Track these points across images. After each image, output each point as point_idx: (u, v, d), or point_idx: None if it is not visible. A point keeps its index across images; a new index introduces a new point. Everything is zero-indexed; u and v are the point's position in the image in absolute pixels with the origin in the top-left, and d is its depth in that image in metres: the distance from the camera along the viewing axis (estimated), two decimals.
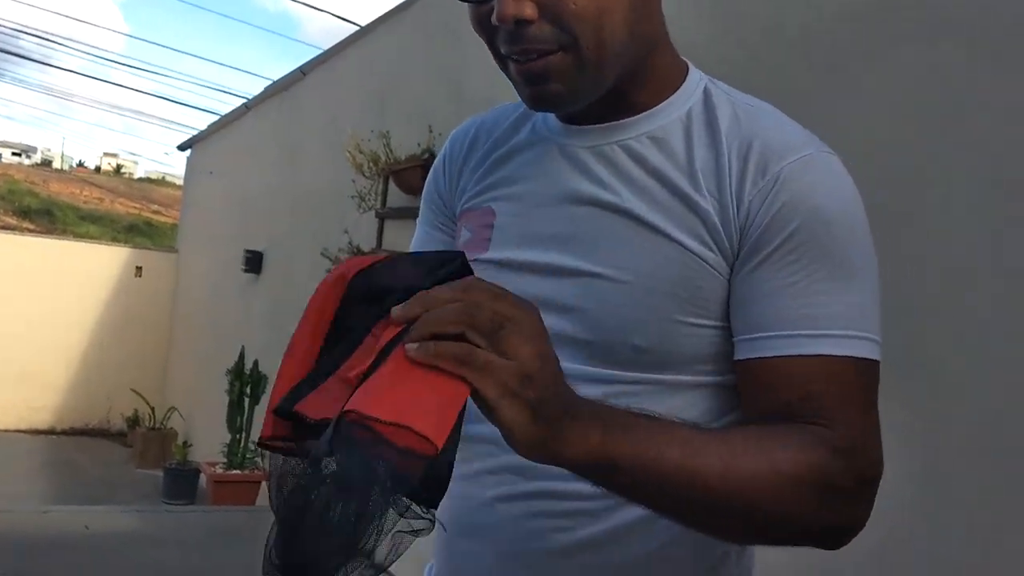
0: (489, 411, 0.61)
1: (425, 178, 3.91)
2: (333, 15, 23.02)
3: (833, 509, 0.73)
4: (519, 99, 0.92)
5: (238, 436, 6.31)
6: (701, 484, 0.69)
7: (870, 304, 0.79)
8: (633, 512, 0.80)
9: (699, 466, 0.69)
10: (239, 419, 6.31)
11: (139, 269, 10.82)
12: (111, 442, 10.56)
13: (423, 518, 0.58)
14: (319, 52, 6.41)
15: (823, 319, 0.77)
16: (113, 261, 10.85)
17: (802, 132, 0.84)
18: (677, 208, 0.82)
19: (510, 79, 0.85)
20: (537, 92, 0.82)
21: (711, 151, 0.83)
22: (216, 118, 9.59)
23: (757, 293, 0.79)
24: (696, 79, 0.89)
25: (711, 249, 0.81)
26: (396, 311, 0.62)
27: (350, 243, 5.01)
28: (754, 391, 0.80)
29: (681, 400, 0.83)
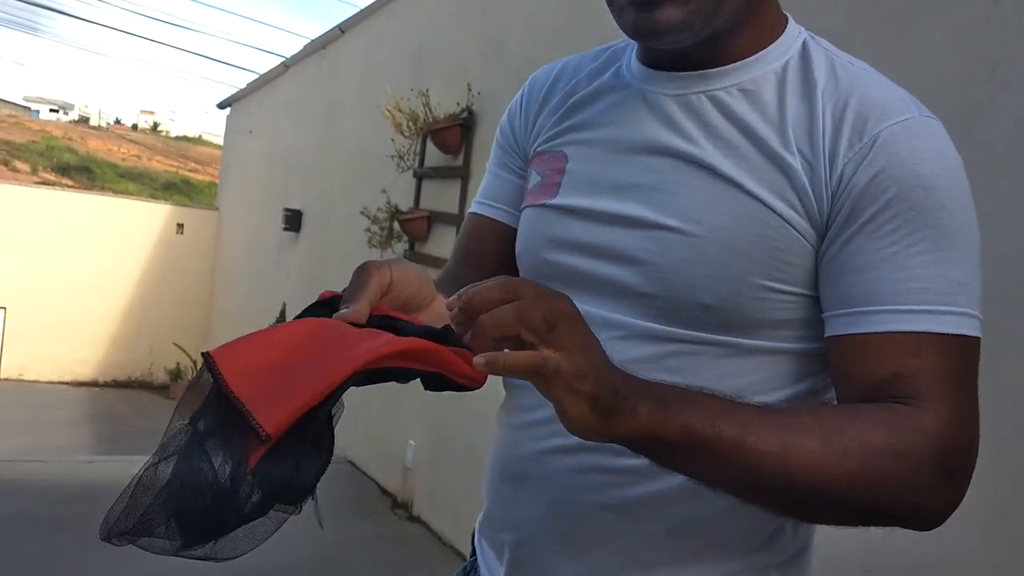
0: (555, 405, 0.63)
1: (464, 137, 3.93)
2: None
3: (916, 494, 0.70)
4: (593, 48, 0.93)
5: None
6: (756, 465, 0.67)
7: (972, 278, 0.74)
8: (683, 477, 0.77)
9: (756, 446, 0.67)
10: None
11: (180, 226, 10.99)
12: (153, 394, 10.82)
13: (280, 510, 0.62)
14: (358, 10, 6.39)
15: (920, 293, 0.72)
16: (155, 218, 11.02)
17: (903, 94, 0.79)
18: (763, 165, 0.78)
19: (612, 7, 0.82)
20: (647, 18, 0.78)
21: (805, 107, 0.79)
22: (254, 77, 9.62)
23: (851, 265, 0.75)
24: (795, 32, 0.85)
25: (797, 212, 0.77)
26: (451, 300, 0.63)
27: (388, 202, 5.05)
28: (846, 369, 0.76)
29: (746, 364, 0.80)
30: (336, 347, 0.66)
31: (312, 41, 7.46)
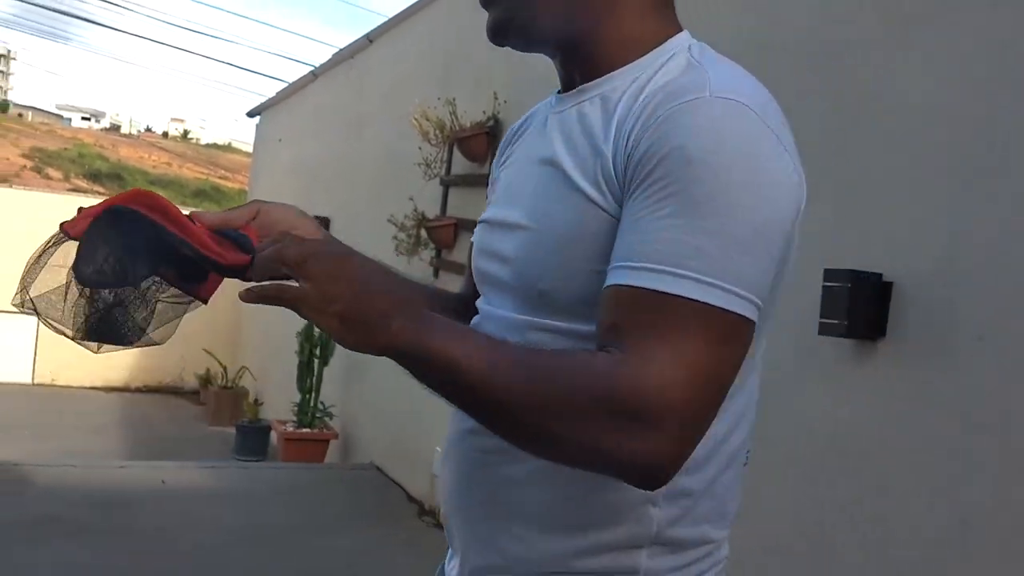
0: (314, 325, 0.80)
1: (490, 145, 3.97)
2: None
3: (597, 431, 0.73)
4: None
5: (307, 396, 6.49)
6: (464, 379, 0.76)
7: (718, 248, 0.75)
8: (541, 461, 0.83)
9: (466, 362, 0.76)
10: (308, 379, 6.48)
11: None
12: (184, 400, 10.94)
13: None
14: (385, 19, 6.44)
15: (647, 253, 0.76)
16: None
17: (719, 81, 0.81)
18: (588, 156, 0.86)
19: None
20: (488, 20, 0.95)
21: (631, 100, 0.85)
22: (283, 85, 9.72)
23: (620, 229, 0.81)
24: (673, 46, 0.90)
25: (602, 192, 0.83)
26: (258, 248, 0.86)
27: (415, 209, 5.07)
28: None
29: (579, 345, 0.84)
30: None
31: (340, 51, 7.53)
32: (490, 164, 4.38)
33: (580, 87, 0.93)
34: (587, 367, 0.76)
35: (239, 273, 0.88)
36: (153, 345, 0.90)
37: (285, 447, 6.46)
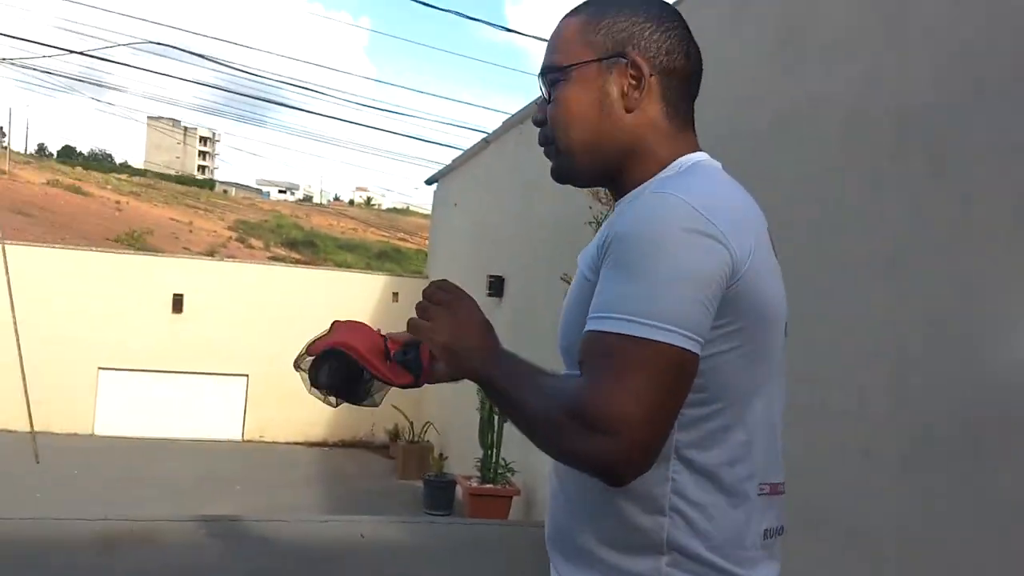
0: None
1: None
2: None
3: (570, 438, 1.01)
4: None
5: (490, 452, 6.65)
6: (514, 408, 1.11)
7: (637, 294, 1.02)
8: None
9: (514, 395, 1.11)
10: (490, 435, 6.65)
11: (395, 295, 11.73)
12: (375, 454, 11.49)
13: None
14: None
15: (596, 305, 1.05)
16: (373, 288, 11.84)
17: (665, 183, 1.12)
18: (594, 252, 1.13)
19: None
20: (551, 168, 1.27)
21: (623, 204, 1.19)
22: (455, 152, 10.19)
23: None
24: (674, 165, 1.19)
25: (595, 273, 1.11)
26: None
27: None
28: None
29: None
30: (351, 337, 1.35)
31: (511, 117, 7.84)
32: None
33: (617, 202, 1.24)
34: (565, 389, 1.06)
35: (408, 386, 1.32)
36: (375, 406, 1.38)
37: (470, 502, 6.64)
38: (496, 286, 7.56)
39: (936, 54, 2.43)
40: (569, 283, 4.67)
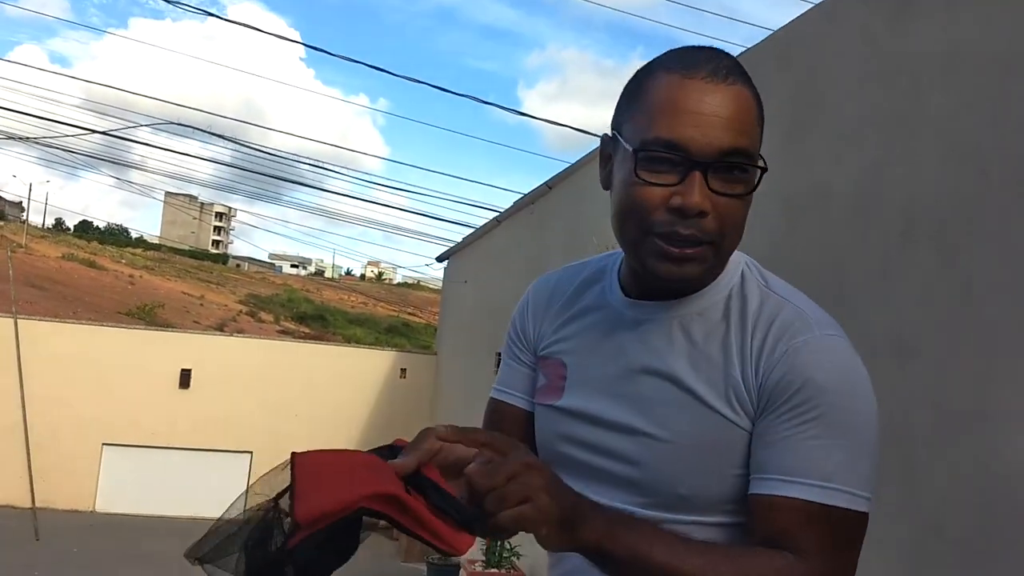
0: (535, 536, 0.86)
1: None
2: (568, 127, 24.07)
3: None
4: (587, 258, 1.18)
5: None
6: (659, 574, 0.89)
7: (856, 462, 0.94)
8: None
9: (678, 566, 0.89)
10: None
11: (403, 371, 11.69)
12: (378, 535, 11.25)
13: None
14: (566, 166, 6.75)
15: (806, 470, 0.93)
16: (382, 364, 11.82)
17: (811, 317, 1.00)
18: (716, 379, 1.00)
19: (638, 250, 1.01)
20: (678, 270, 0.99)
21: (740, 330, 1.01)
22: (466, 230, 10.30)
23: (762, 442, 0.97)
24: (735, 263, 1.07)
25: (737, 412, 0.98)
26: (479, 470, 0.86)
27: None
28: (751, 521, 0.97)
29: (713, 535, 0.99)
30: (370, 481, 0.84)
31: (521, 198, 7.94)
32: None
33: (670, 301, 1.05)
34: (771, 569, 0.91)
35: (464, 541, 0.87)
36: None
37: None
38: None
39: (943, 145, 2.46)
40: None
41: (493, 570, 6.47)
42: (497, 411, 1.25)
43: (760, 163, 1.00)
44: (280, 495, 0.86)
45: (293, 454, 0.87)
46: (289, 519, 0.82)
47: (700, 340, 1.02)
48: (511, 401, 1.23)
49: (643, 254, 1.00)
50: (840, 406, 0.94)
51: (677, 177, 0.95)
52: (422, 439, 0.92)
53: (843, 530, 0.93)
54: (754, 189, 0.99)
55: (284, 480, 0.86)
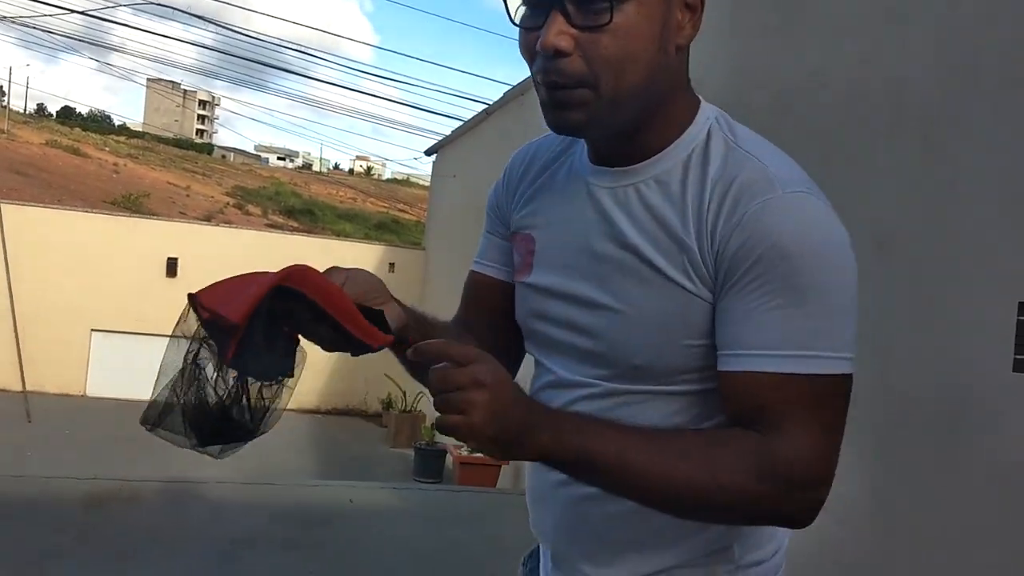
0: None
1: None
2: None
3: (773, 502, 0.88)
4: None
5: None
6: (635, 477, 0.88)
7: (828, 326, 0.89)
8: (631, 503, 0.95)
9: (635, 462, 0.87)
10: None
11: (392, 265, 11.73)
12: (368, 422, 11.55)
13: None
14: None
15: (774, 341, 0.89)
16: (370, 258, 11.83)
17: (774, 174, 0.92)
18: (672, 248, 0.96)
19: (540, 100, 0.97)
20: (558, 118, 0.95)
21: (698, 191, 0.95)
22: (456, 123, 10.15)
23: (727, 317, 0.92)
24: (703, 120, 1.00)
25: (694, 281, 0.94)
26: (426, 347, 0.87)
27: None
28: (724, 400, 0.94)
29: (675, 404, 1.00)
30: (277, 273, 0.89)
31: (512, 88, 7.80)
32: None
33: (627, 168, 1.00)
34: (743, 449, 0.89)
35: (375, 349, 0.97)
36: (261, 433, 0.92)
37: (460, 470, 6.70)
38: None
39: (934, 34, 2.42)
40: None
41: (478, 454, 6.66)
42: (473, 282, 1.26)
43: None
44: (197, 333, 0.87)
45: (189, 294, 0.88)
46: (214, 343, 0.86)
47: (658, 206, 0.97)
48: (486, 272, 1.23)
49: (541, 105, 0.97)
50: (808, 268, 0.88)
51: (543, 19, 0.90)
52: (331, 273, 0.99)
53: (822, 396, 0.89)
54: (614, 19, 0.89)
55: (194, 320, 0.88)
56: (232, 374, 0.88)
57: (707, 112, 1.01)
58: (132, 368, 12.17)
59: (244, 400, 0.89)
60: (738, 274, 0.90)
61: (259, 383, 0.90)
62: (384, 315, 1.00)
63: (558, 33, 0.89)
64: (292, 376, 0.91)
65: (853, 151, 2.71)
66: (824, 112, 2.89)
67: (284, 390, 0.93)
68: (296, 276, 0.90)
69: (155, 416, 0.89)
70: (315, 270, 0.93)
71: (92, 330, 12.24)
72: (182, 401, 0.88)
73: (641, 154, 0.99)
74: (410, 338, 0.98)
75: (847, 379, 0.90)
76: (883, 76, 2.61)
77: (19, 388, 11.67)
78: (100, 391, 12.13)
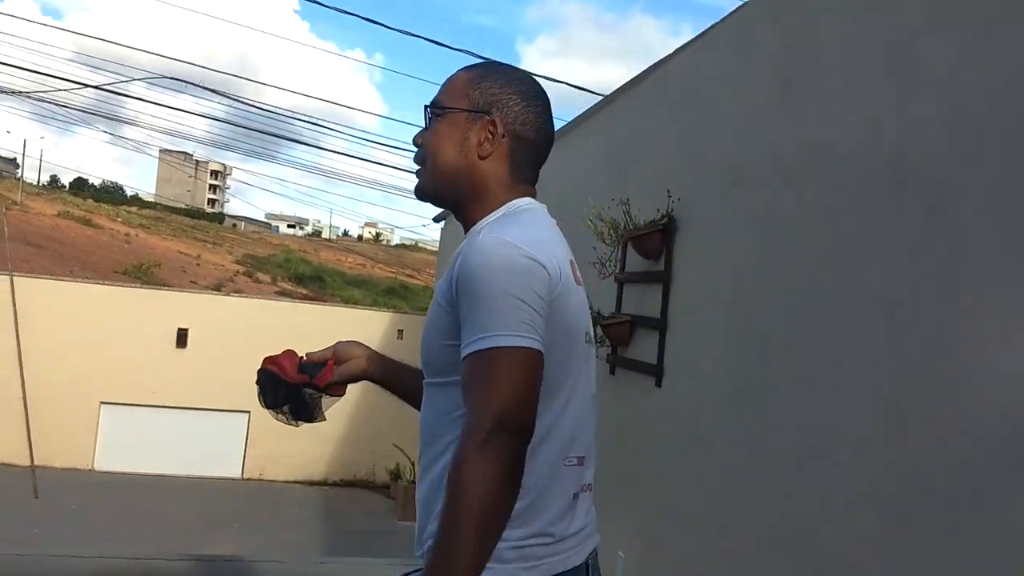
0: None
1: (664, 243, 4.07)
2: (566, 83, 23.84)
3: (468, 470, 1.23)
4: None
5: None
6: (461, 544, 1.25)
7: (489, 313, 1.31)
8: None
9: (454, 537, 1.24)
10: None
11: (400, 332, 11.72)
12: (376, 493, 11.38)
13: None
14: (560, 124, 6.68)
15: (466, 335, 1.33)
16: (378, 325, 11.84)
17: (483, 228, 1.46)
18: (444, 282, 1.43)
19: None
20: (415, 184, 1.61)
21: (465, 241, 1.46)
22: None
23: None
24: (500, 211, 1.51)
25: (451, 303, 1.40)
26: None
27: (591, 307, 5.13)
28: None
29: (449, 393, 1.42)
30: (276, 358, 1.85)
31: None
32: (664, 261, 4.42)
33: (466, 235, 1.52)
34: (454, 463, 1.26)
35: (312, 387, 1.80)
36: (322, 420, 1.85)
37: None
38: None
39: (936, 101, 2.42)
40: None
41: None
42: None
43: (445, 106, 1.55)
44: (276, 389, 1.84)
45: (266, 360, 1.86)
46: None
47: (452, 257, 1.44)
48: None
49: None
50: (471, 281, 1.33)
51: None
52: (326, 348, 1.87)
53: (489, 367, 1.28)
54: (432, 121, 1.58)
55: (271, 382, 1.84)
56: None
57: (509, 206, 1.52)
58: (141, 441, 12.08)
59: (301, 407, 1.84)
60: (456, 295, 1.37)
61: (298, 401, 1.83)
62: (328, 364, 1.81)
63: (418, 133, 1.60)
64: (285, 408, 1.82)
65: (858, 218, 2.69)
66: (827, 179, 2.89)
67: (320, 406, 1.85)
68: (267, 360, 1.83)
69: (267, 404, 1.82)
70: (282, 356, 1.83)
71: (101, 402, 12.19)
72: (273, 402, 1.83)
73: (466, 227, 1.55)
74: (374, 376, 1.89)
75: (510, 350, 1.29)
76: (887, 141, 2.61)
77: (27, 463, 11.57)
78: (108, 465, 12.03)
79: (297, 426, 1.83)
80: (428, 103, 1.58)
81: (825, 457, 2.72)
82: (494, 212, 1.49)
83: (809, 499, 2.79)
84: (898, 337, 2.43)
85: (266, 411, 1.78)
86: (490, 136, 1.52)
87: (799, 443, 2.87)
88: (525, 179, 1.57)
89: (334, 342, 1.85)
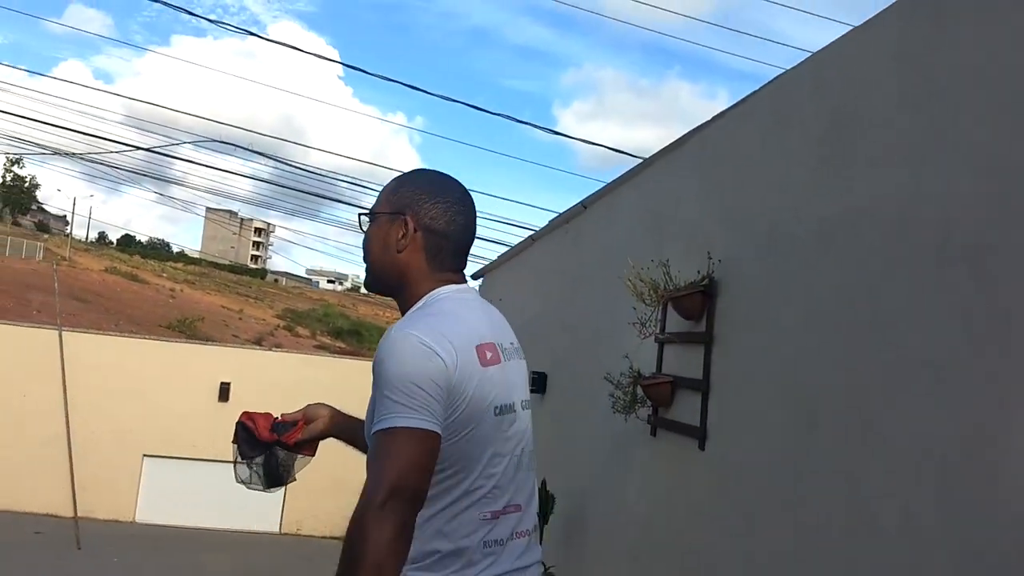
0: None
1: (705, 304, 4.10)
2: (603, 146, 24.10)
3: (366, 528, 1.45)
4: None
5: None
6: None
7: (394, 398, 1.54)
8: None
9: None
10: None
11: None
12: None
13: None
14: (601, 185, 6.77)
15: (377, 416, 1.55)
16: None
17: (403, 325, 1.65)
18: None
19: None
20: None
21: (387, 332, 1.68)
22: (502, 248, 10.35)
23: None
24: (422, 302, 1.76)
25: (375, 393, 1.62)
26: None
27: (631, 368, 5.13)
28: None
29: None
30: (254, 417, 2.04)
31: (556, 216, 7.97)
32: (706, 322, 4.42)
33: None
34: (354, 524, 1.49)
35: (282, 445, 1.97)
36: (293, 482, 1.97)
37: None
38: (539, 382, 7.54)
39: (978, 166, 2.45)
40: (612, 382, 4.71)
41: None
42: None
43: (373, 211, 1.86)
44: (251, 452, 2.03)
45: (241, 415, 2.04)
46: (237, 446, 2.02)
47: None
48: None
49: None
50: (378, 370, 1.57)
51: None
52: (300, 410, 2.11)
53: (385, 446, 1.51)
54: (367, 226, 1.88)
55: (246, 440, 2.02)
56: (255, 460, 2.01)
57: (428, 298, 1.75)
58: (182, 494, 12.17)
59: (273, 467, 1.99)
60: (373, 382, 1.60)
61: (273, 461, 1.99)
62: (298, 424, 2.02)
63: (363, 238, 1.86)
64: (253, 461, 2.00)
65: (901, 282, 2.70)
66: (871, 244, 2.90)
67: (292, 467, 2.00)
68: (244, 415, 2.00)
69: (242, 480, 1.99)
70: (259, 414, 2.01)
71: (144, 455, 12.34)
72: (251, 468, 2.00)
73: (402, 313, 1.77)
74: (337, 434, 2.11)
75: (404, 432, 1.51)
76: (931, 204, 2.63)
77: (70, 514, 11.71)
78: (149, 517, 12.13)
79: (269, 492, 2.01)
80: (366, 211, 1.89)
81: (871, 524, 2.69)
82: (416, 303, 1.75)
83: (855, 569, 2.75)
84: (946, 402, 2.42)
85: (239, 485, 1.99)
86: (404, 232, 1.78)
87: (845, 510, 2.84)
88: (445, 267, 1.81)
89: (304, 405, 2.11)
